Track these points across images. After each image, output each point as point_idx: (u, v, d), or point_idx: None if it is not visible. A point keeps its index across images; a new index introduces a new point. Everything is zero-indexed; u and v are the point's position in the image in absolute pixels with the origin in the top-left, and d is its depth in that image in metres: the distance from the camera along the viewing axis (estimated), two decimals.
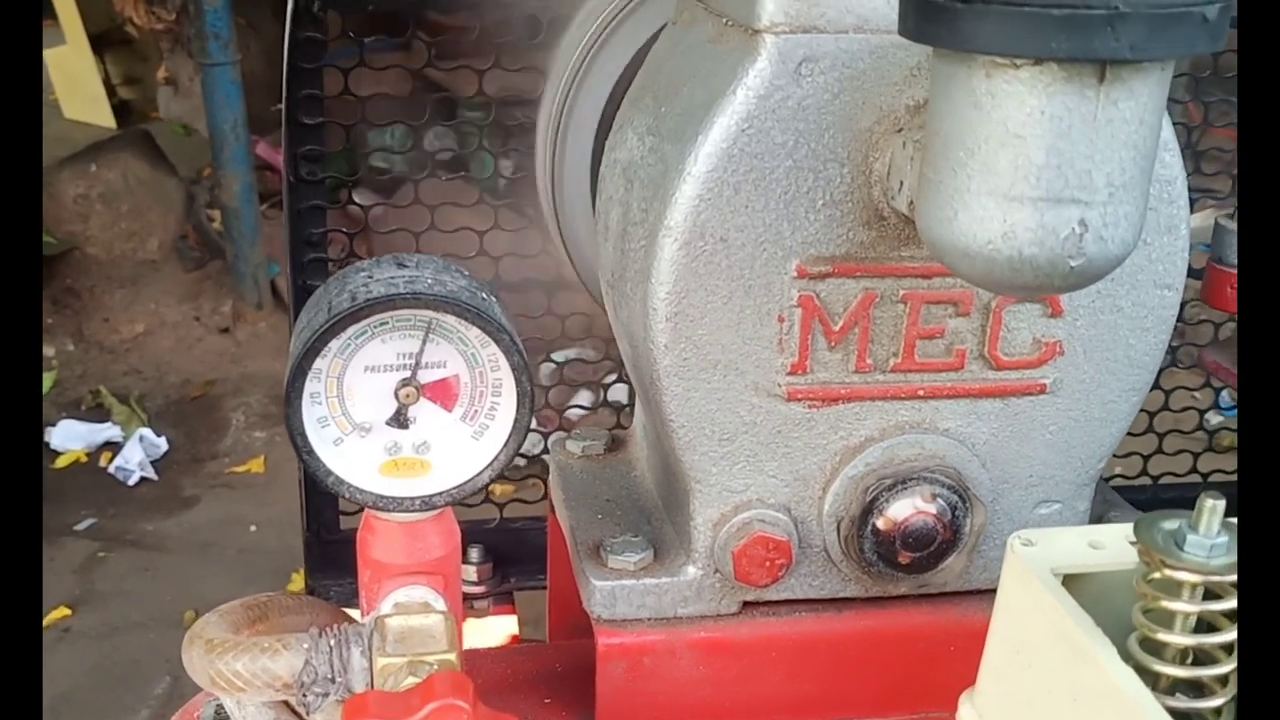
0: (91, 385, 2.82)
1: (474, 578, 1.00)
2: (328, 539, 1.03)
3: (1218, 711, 0.46)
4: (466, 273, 0.57)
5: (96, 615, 2.11)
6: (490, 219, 1.01)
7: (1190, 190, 0.61)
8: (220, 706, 0.64)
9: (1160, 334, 0.62)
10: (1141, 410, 1.07)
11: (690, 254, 0.58)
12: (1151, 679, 0.46)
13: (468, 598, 1.00)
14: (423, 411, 0.56)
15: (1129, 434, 1.08)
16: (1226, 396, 1.20)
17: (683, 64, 0.64)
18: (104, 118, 3.90)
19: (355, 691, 0.55)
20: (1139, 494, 1.10)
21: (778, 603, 0.66)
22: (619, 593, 0.64)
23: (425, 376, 0.56)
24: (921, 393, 0.62)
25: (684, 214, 0.57)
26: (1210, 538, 0.45)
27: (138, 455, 2.54)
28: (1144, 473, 1.11)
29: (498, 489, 0.99)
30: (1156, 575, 0.46)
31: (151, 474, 2.53)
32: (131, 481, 2.50)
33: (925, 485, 0.62)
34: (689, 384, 0.60)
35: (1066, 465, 0.64)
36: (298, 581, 2.08)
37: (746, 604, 0.65)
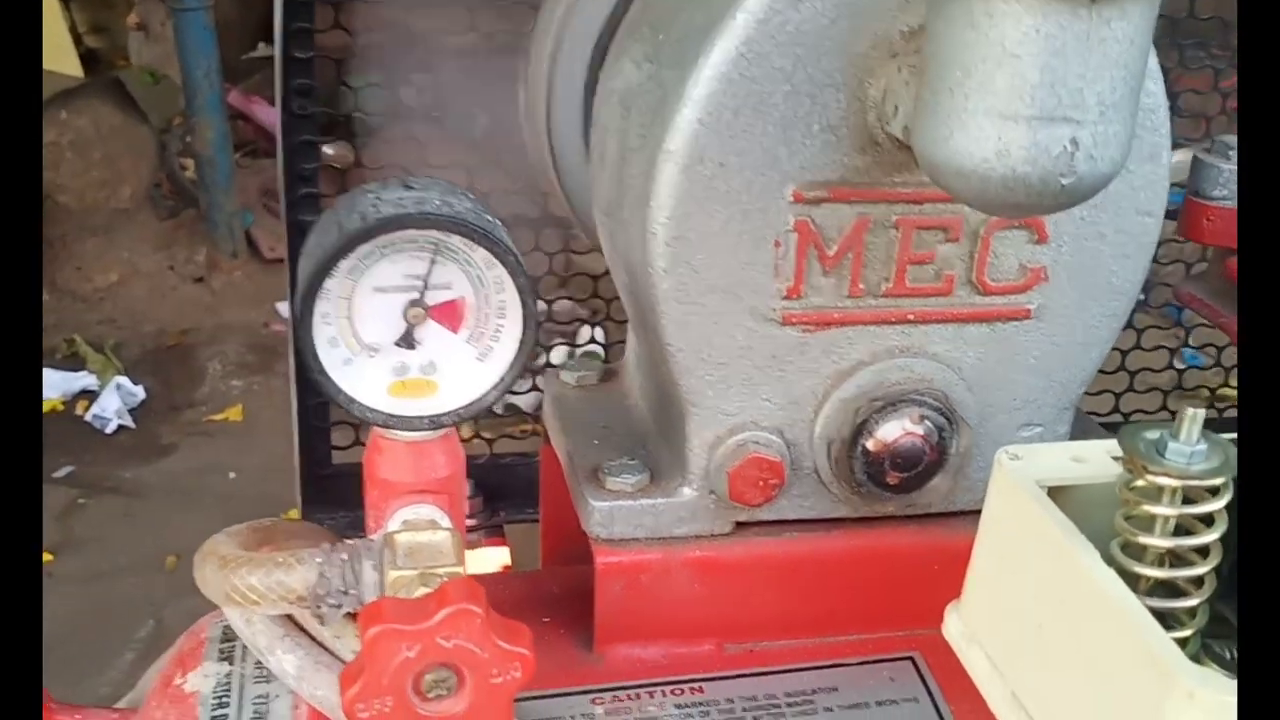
0: (66, 334, 2.81)
1: (466, 510, 1.02)
2: (321, 474, 1.04)
3: (1191, 612, 0.48)
4: (472, 195, 0.59)
5: (78, 560, 2.12)
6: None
7: None
8: (228, 627, 0.66)
9: (1141, 260, 0.64)
10: (1114, 349, 1.10)
11: (690, 178, 0.59)
12: (1133, 581, 0.49)
13: None
14: (429, 333, 0.58)
15: (1102, 372, 1.12)
16: (1191, 342, 1.23)
17: None
18: (71, 67, 3.85)
19: (367, 603, 0.57)
20: (1112, 433, 1.12)
21: (769, 523, 0.68)
22: (617, 513, 0.66)
23: (432, 298, 0.57)
24: (911, 317, 0.64)
25: (684, 138, 0.59)
26: (1190, 445, 0.47)
27: (115, 403, 2.54)
28: (1116, 409, 1.14)
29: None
30: (1139, 482, 0.48)
31: (129, 422, 2.53)
32: (109, 430, 2.50)
33: (914, 407, 0.64)
34: (687, 309, 0.62)
35: (1049, 390, 0.66)
36: None
37: (739, 524, 0.67)
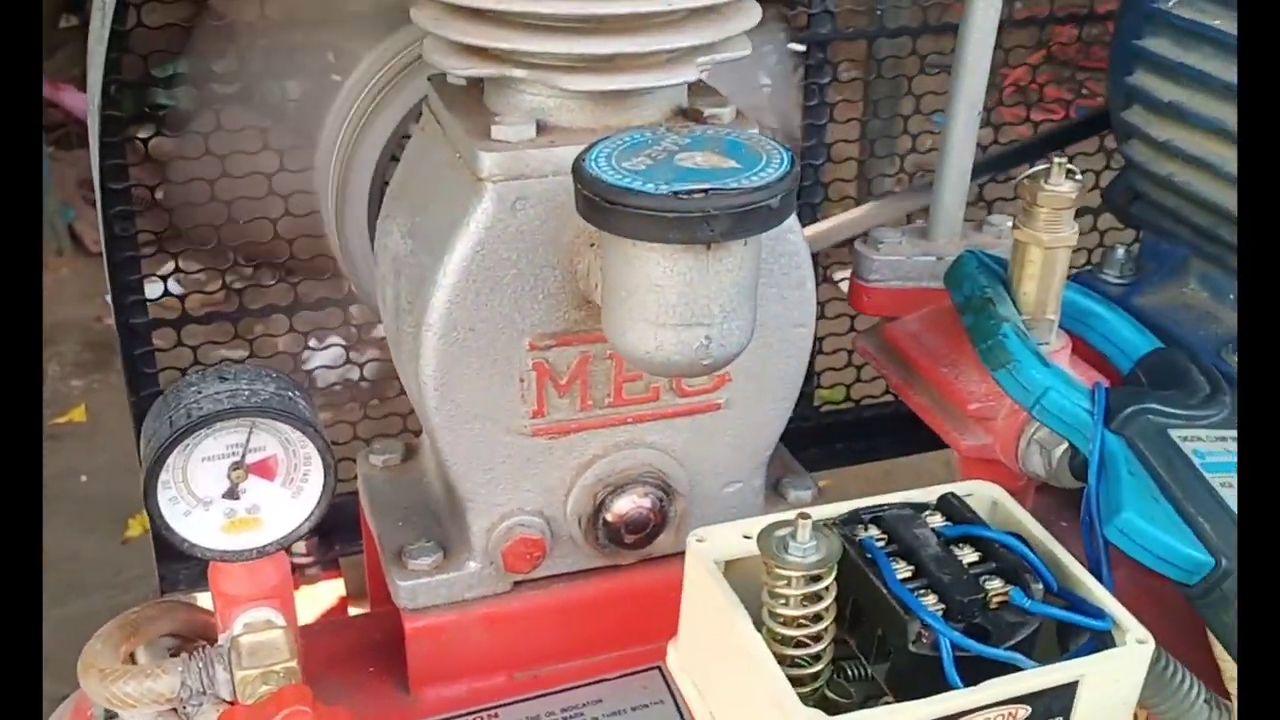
0: None
1: (304, 550, 1.19)
2: None
3: (819, 655, 0.69)
4: (275, 375, 0.75)
5: None
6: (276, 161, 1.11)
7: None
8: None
9: (801, 359, 0.84)
10: (844, 350, 1.32)
11: (447, 342, 0.76)
12: (777, 637, 0.69)
13: (300, 568, 1.19)
14: (251, 484, 0.74)
15: (834, 369, 1.33)
16: None
17: (429, 179, 0.81)
18: None
19: (223, 698, 0.74)
20: (846, 415, 1.35)
21: (541, 579, 0.87)
22: (419, 588, 0.84)
23: (251, 458, 0.73)
24: (630, 420, 0.82)
25: (439, 315, 0.76)
26: (804, 544, 0.67)
27: None
28: (848, 399, 1.36)
29: None
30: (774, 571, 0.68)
31: None
32: None
33: (640, 486, 0.83)
34: (456, 434, 0.79)
35: (743, 457, 0.86)
36: (135, 527, 2.20)
37: (517, 583, 0.86)
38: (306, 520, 0.75)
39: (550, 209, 0.74)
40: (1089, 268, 1.07)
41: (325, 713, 0.68)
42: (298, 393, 0.74)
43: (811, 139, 1.21)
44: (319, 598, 1.18)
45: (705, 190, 0.61)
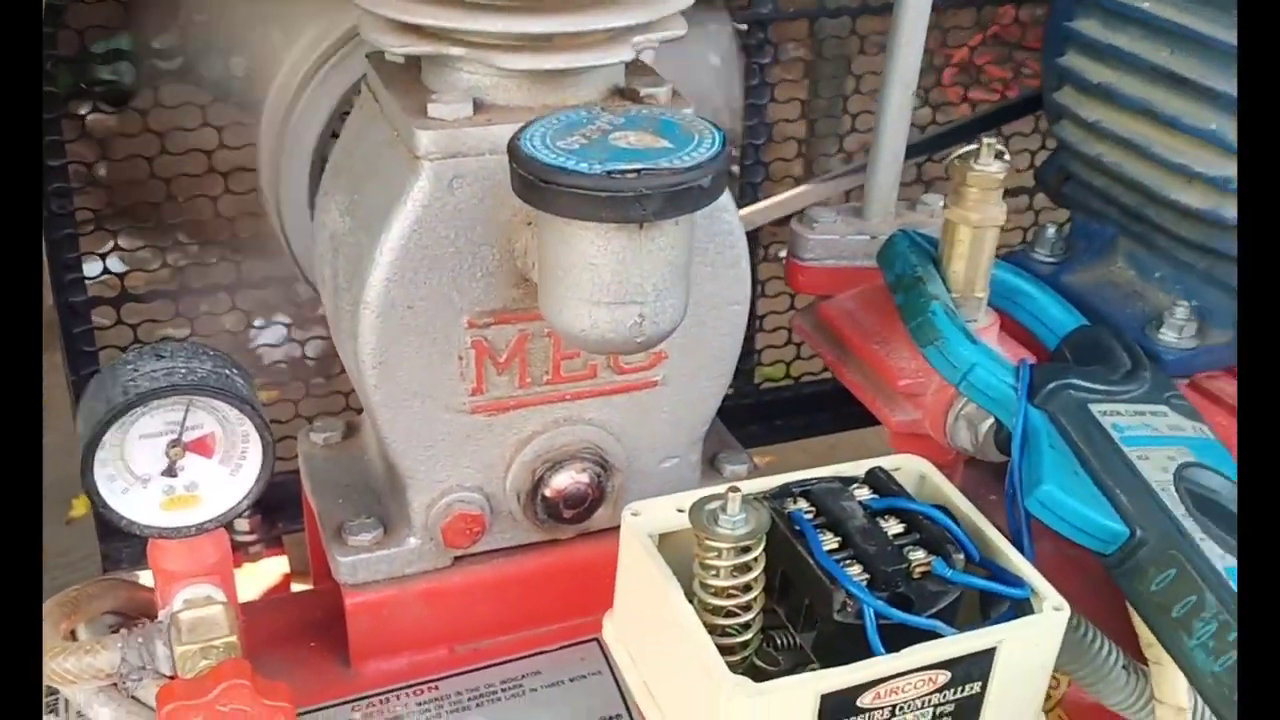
0: None
1: (247, 528, 1.19)
2: None
3: (748, 624, 0.71)
4: (213, 353, 0.75)
5: None
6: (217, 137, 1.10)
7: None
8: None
9: (736, 336, 0.86)
10: (782, 328, 1.34)
11: (385, 320, 0.77)
12: (708, 607, 0.70)
13: (243, 545, 1.19)
14: (189, 461, 0.74)
15: (775, 346, 1.35)
16: None
17: (368, 156, 0.82)
18: None
19: (163, 673, 0.74)
20: (786, 392, 1.37)
21: (481, 553, 0.88)
22: (359, 564, 0.85)
23: (188, 436, 0.74)
24: (569, 396, 0.84)
25: (377, 293, 0.76)
26: (734, 516, 0.69)
27: None
28: (788, 375, 1.38)
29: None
30: (705, 542, 0.70)
31: None
32: None
33: (577, 461, 0.85)
34: (395, 411, 0.80)
35: (679, 432, 0.88)
36: (78, 507, 2.18)
37: (457, 558, 0.87)
38: (245, 497, 0.76)
39: (487, 187, 0.75)
40: (1022, 247, 1.09)
41: (264, 686, 0.69)
42: (235, 370, 0.75)
43: (753, 118, 1.22)
44: (262, 575, 1.18)
45: (638, 170, 0.62)
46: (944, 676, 0.68)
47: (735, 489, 0.68)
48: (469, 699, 0.85)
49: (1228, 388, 0.97)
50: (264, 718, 0.69)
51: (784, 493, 0.75)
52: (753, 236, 1.27)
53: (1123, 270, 1.04)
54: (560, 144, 0.65)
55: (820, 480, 0.76)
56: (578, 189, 0.62)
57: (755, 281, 1.32)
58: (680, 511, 0.74)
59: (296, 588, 1.22)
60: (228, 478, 0.76)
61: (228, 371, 0.74)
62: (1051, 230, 1.07)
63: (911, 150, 1.14)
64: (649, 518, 0.75)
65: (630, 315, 0.67)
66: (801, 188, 1.13)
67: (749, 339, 1.33)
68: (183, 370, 0.72)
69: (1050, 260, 1.06)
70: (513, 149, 0.66)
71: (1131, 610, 0.80)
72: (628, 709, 0.85)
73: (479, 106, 0.76)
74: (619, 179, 0.62)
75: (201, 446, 0.74)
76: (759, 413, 1.35)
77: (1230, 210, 0.91)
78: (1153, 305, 1.00)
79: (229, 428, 0.74)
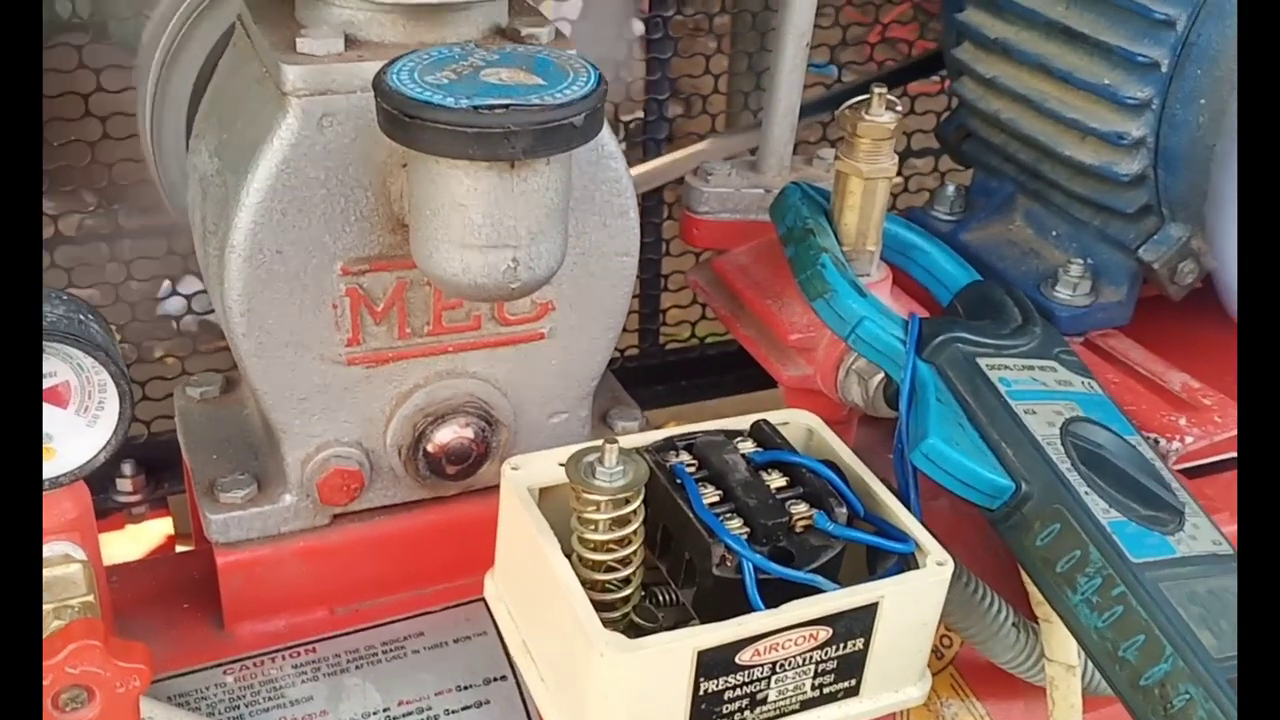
0: None
1: (130, 489, 1.15)
2: None
3: (627, 579, 0.69)
4: (66, 297, 0.71)
5: None
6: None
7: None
8: None
9: (625, 288, 0.83)
10: (687, 289, 1.32)
11: (253, 265, 0.74)
12: (587, 564, 0.69)
13: (126, 507, 1.15)
14: (43, 412, 0.71)
15: (680, 306, 1.33)
16: None
17: (238, 95, 0.78)
18: None
19: None
20: (690, 353, 1.36)
21: (361, 511, 0.85)
22: (231, 522, 0.81)
23: (42, 384, 0.70)
24: (451, 348, 0.81)
25: (243, 235, 0.73)
26: (611, 468, 0.67)
27: None
28: (693, 336, 1.36)
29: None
30: (581, 496, 0.68)
31: None
32: None
33: (461, 416, 0.82)
34: (266, 361, 0.77)
35: (568, 387, 0.86)
36: None
37: (336, 516, 0.84)
38: (103, 449, 0.72)
39: (360, 127, 0.72)
40: (922, 205, 1.08)
41: (119, 646, 0.66)
42: (90, 316, 0.71)
43: (655, 72, 1.20)
44: (145, 537, 1.14)
45: (506, 105, 0.60)
46: (825, 633, 0.67)
47: (613, 441, 0.66)
48: (348, 661, 0.82)
49: (1120, 345, 0.97)
50: (117, 680, 0.66)
51: (667, 446, 0.74)
52: (657, 194, 1.25)
53: (1020, 228, 1.04)
54: (428, 79, 0.63)
55: (704, 434, 0.74)
56: (443, 124, 0.60)
57: (660, 240, 1.30)
58: (561, 466, 0.72)
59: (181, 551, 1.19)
60: (84, 429, 0.72)
61: (81, 317, 0.70)
62: (951, 188, 1.06)
63: (813, 108, 1.13)
64: (528, 471, 0.73)
65: (503, 259, 0.65)
66: (702, 144, 1.11)
67: (653, 298, 1.31)
68: None
69: (949, 218, 1.05)
70: (378, 83, 0.63)
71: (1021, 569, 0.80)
72: (513, 669, 0.83)
73: (351, 43, 0.72)
74: (486, 114, 0.59)
75: (55, 396, 0.70)
76: (664, 373, 1.33)
77: (1121, 166, 0.91)
78: (1049, 263, 1.00)
79: (84, 376, 0.71)
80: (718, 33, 1.37)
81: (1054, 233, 1.01)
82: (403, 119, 0.61)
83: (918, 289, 0.93)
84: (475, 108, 0.60)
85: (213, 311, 1.20)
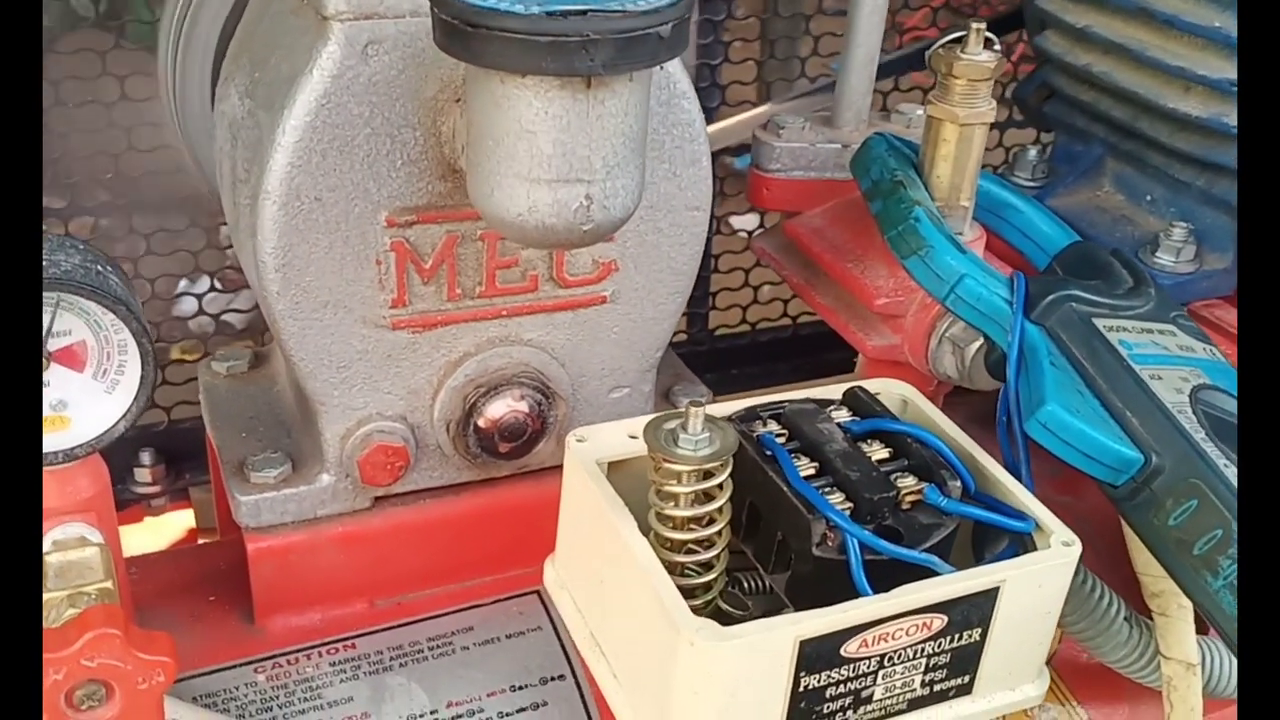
0: None
1: (149, 479, 1.07)
2: None
3: (710, 563, 0.61)
4: (83, 246, 0.64)
5: None
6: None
7: None
8: None
9: (695, 247, 0.76)
10: (739, 269, 1.24)
11: (289, 213, 0.66)
12: (666, 543, 0.61)
13: (145, 498, 1.07)
14: (55, 375, 0.63)
15: (730, 290, 1.26)
16: None
17: (271, 30, 0.71)
18: None
19: None
20: (741, 339, 1.28)
21: (405, 494, 0.77)
22: (263, 504, 0.74)
23: (55, 344, 0.62)
24: (505, 312, 0.73)
25: (279, 180, 0.65)
26: (696, 435, 0.59)
27: None
28: (744, 321, 1.29)
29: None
30: (662, 466, 0.60)
31: None
32: None
33: (515, 388, 0.74)
34: (303, 324, 0.69)
35: (630, 357, 0.78)
36: None
37: (378, 499, 0.76)
38: (123, 418, 0.65)
39: (409, 56, 0.65)
40: (1000, 169, 1.00)
41: (140, 636, 0.58)
42: (110, 268, 0.64)
43: (707, 35, 1.12)
44: (165, 530, 1.07)
45: (583, 11, 0.52)
46: (940, 621, 0.59)
47: (698, 403, 0.59)
48: (391, 658, 0.75)
49: (1227, 316, 0.89)
50: (139, 673, 0.58)
51: (752, 415, 0.66)
52: None
53: (1110, 194, 0.96)
54: None
55: (793, 402, 0.67)
56: (510, 32, 0.52)
57: (710, 216, 1.22)
58: (633, 438, 0.65)
59: None
60: (102, 395, 0.64)
61: (100, 268, 0.63)
62: (1033, 151, 0.99)
63: (883, 69, 1.05)
64: (596, 443, 0.65)
65: (575, 195, 0.57)
66: (764, 107, 1.03)
67: (703, 279, 1.24)
68: (45, 263, 0.61)
69: (1031, 184, 0.98)
70: None
71: (1134, 556, 0.72)
72: (572, 668, 0.75)
73: None
74: (561, 20, 0.52)
75: (70, 357, 0.63)
76: (713, 361, 1.26)
77: (1233, 117, 0.83)
78: (1143, 230, 0.92)
79: (103, 335, 0.63)
80: None
81: (1149, 197, 0.93)
82: (463, 29, 0.53)
83: (1006, 251, 0.85)
84: (548, 13, 0.52)
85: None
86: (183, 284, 1.21)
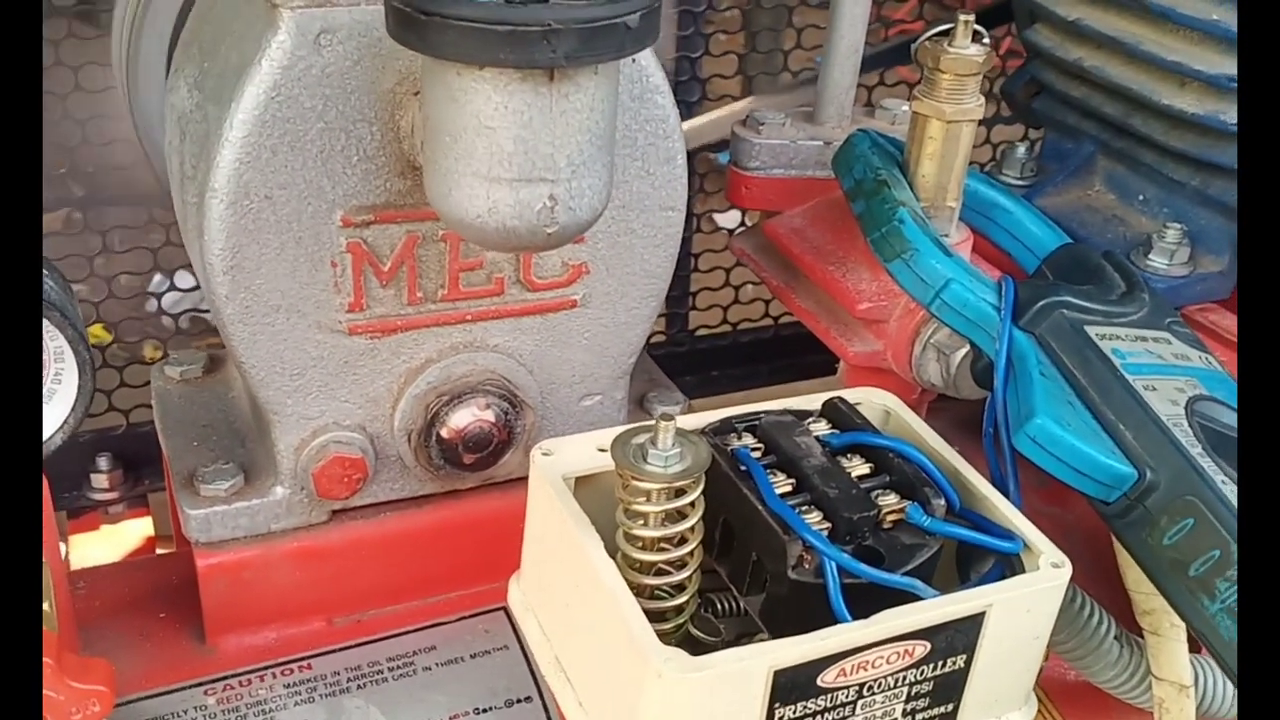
0: None
1: (106, 485, 1.03)
2: None
3: (682, 585, 0.58)
4: None
5: None
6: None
7: None
8: None
9: (669, 248, 0.72)
10: (720, 268, 1.21)
11: (238, 212, 0.62)
12: (634, 565, 0.57)
13: (102, 505, 1.03)
14: None
15: (711, 289, 1.23)
16: None
17: (222, 19, 0.67)
18: None
19: None
20: (722, 340, 1.25)
21: (364, 507, 0.74)
22: (213, 518, 0.70)
23: None
24: (469, 317, 0.70)
25: (227, 177, 0.62)
26: (666, 451, 0.55)
27: None
28: (725, 321, 1.25)
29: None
30: (630, 484, 0.57)
31: None
32: None
33: (480, 396, 0.71)
34: (254, 329, 0.66)
35: (602, 364, 0.75)
36: None
37: (335, 512, 0.73)
38: (60, 429, 0.61)
39: (364, 46, 0.61)
40: (988, 168, 0.97)
41: (75, 664, 0.55)
42: (46, 270, 0.60)
43: (687, 28, 1.09)
44: (122, 539, 1.03)
45: None
46: (922, 648, 0.55)
47: (668, 417, 0.55)
48: (348, 680, 0.71)
49: (1223, 321, 0.85)
50: (73, 703, 0.54)
51: (726, 428, 0.62)
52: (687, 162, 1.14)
53: (1101, 193, 0.93)
54: None
55: (769, 414, 0.63)
56: (467, 21, 0.48)
57: (690, 215, 1.19)
58: (601, 451, 0.61)
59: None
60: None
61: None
62: (1021, 150, 0.96)
63: (866, 63, 1.02)
64: (563, 457, 0.62)
65: (538, 196, 0.54)
66: (744, 102, 1.00)
67: (683, 279, 1.20)
68: None
69: (1019, 183, 0.95)
70: None
71: (1125, 572, 0.69)
72: (539, 690, 0.72)
73: None
74: (520, 9, 0.48)
75: None
76: (693, 362, 1.22)
77: (1231, 114, 0.80)
78: (1135, 231, 0.89)
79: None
80: None
81: (1141, 197, 0.90)
82: (416, 17, 0.49)
83: (993, 253, 0.82)
84: (507, 1, 0.48)
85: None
86: (157, 279, 1.18)
